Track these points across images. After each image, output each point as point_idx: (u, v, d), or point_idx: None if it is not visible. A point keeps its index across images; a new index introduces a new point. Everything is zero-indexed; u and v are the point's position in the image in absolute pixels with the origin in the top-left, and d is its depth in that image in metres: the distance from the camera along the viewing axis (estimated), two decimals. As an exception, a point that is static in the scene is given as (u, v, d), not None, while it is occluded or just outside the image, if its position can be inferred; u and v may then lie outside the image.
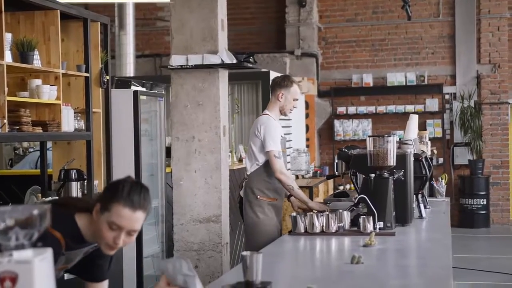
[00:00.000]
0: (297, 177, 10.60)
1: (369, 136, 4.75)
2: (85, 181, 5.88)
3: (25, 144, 8.92)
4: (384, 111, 13.32)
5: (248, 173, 5.50)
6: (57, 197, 5.52)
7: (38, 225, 1.89)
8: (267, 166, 5.36)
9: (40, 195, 5.75)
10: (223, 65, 5.79)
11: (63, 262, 2.92)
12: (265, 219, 5.40)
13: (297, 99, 5.50)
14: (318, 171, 11.38)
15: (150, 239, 7.01)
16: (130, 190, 2.80)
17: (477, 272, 8.93)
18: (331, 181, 11.42)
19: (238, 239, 7.95)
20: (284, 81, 5.48)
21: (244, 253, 2.87)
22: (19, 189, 6.43)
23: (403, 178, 4.82)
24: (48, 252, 1.90)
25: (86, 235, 2.91)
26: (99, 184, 6.13)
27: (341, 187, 11.45)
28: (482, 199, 12.78)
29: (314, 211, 4.94)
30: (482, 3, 13.15)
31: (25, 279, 1.82)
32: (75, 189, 5.73)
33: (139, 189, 2.84)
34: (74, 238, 2.88)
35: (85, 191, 5.90)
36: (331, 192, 10.86)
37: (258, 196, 5.41)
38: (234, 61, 5.78)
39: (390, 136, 4.70)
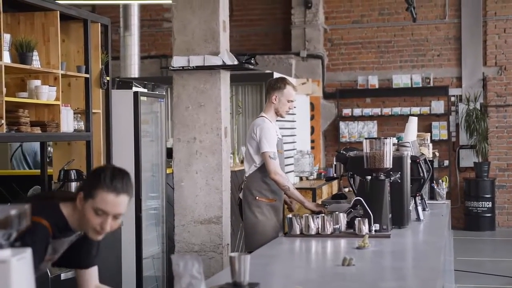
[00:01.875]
0: (301, 178, 10.59)
1: (365, 138, 4.75)
2: (85, 181, 5.90)
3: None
4: (390, 113, 13.27)
5: (246, 175, 5.52)
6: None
7: (17, 225, 1.91)
8: (265, 168, 5.37)
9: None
10: (224, 67, 5.79)
11: (50, 252, 2.96)
12: (264, 220, 5.41)
13: (292, 101, 5.49)
14: (323, 173, 11.33)
15: (150, 239, 7.01)
16: (112, 177, 2.89)
17: (481, 275, 8.91)
18: (335, 183, 11.38)
19: (239, 241, 7.95)
20: (278, 83, 5.49)
21: (232, 254, 2.88)
22: (20, 189, 6.45)
23: (399, 181, 4.82)
24: (27, 252, 1.90)
25: (72, 223, 2.99)
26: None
27: (346, 189, 11.40)
28: (487, 202, 12.72)
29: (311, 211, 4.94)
30: (489, 5, 13.09)
31: (2, 279, 1.83)
32: (74, 190, 5.74)
33: (120, 175, 2.93)
34: (60, 226, 2.96)
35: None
36: (335, 194, 10.81)
37: (257, 197, 5.42)
38: (236, 62, 5.77)
39: (386, 138, 4.70)
